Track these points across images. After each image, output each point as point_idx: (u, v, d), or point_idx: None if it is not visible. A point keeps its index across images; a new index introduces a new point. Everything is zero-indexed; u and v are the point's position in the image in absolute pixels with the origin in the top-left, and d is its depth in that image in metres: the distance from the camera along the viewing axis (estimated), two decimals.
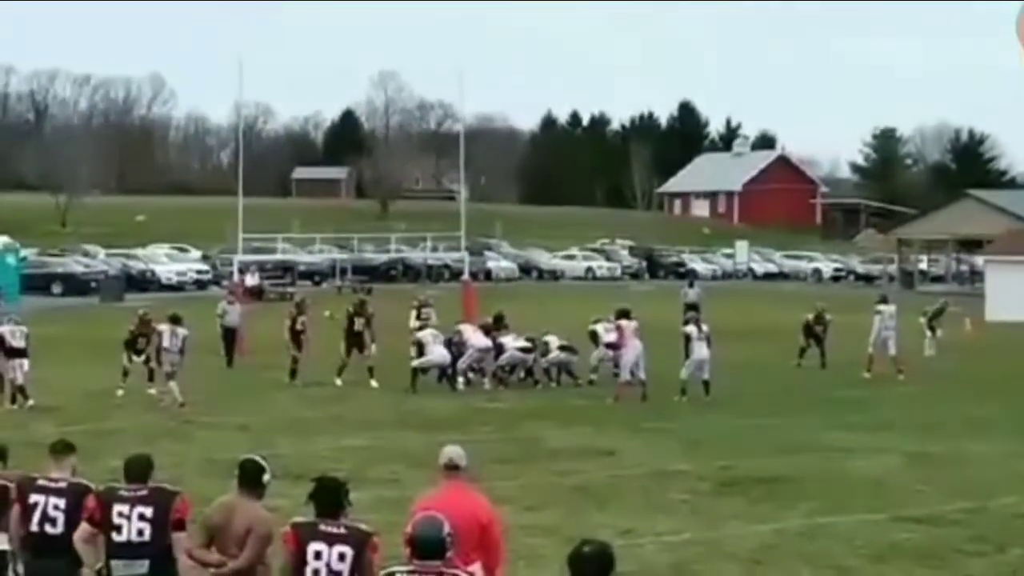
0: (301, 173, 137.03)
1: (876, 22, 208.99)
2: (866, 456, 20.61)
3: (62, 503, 9.73)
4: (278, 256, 60.82)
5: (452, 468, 9.35)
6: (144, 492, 9.47)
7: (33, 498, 9.81)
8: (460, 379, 28.02)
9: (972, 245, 76.75)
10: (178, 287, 63.56)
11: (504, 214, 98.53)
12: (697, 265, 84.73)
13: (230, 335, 32.44)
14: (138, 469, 9.67)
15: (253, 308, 34.69)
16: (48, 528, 9.73)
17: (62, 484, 9.85)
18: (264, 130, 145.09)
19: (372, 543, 8.38)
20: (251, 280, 55.45)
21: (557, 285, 73.71)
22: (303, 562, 8.34)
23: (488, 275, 72.83)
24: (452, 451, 9.45)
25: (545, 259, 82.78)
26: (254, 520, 9.12)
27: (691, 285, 44.65)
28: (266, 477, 9.33)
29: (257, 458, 9.44)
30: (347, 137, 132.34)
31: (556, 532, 14.32)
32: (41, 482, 9.90)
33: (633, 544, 14.28)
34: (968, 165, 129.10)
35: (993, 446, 21.72)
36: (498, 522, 9.37)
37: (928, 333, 36.62)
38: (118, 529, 9.35)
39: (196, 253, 72.82)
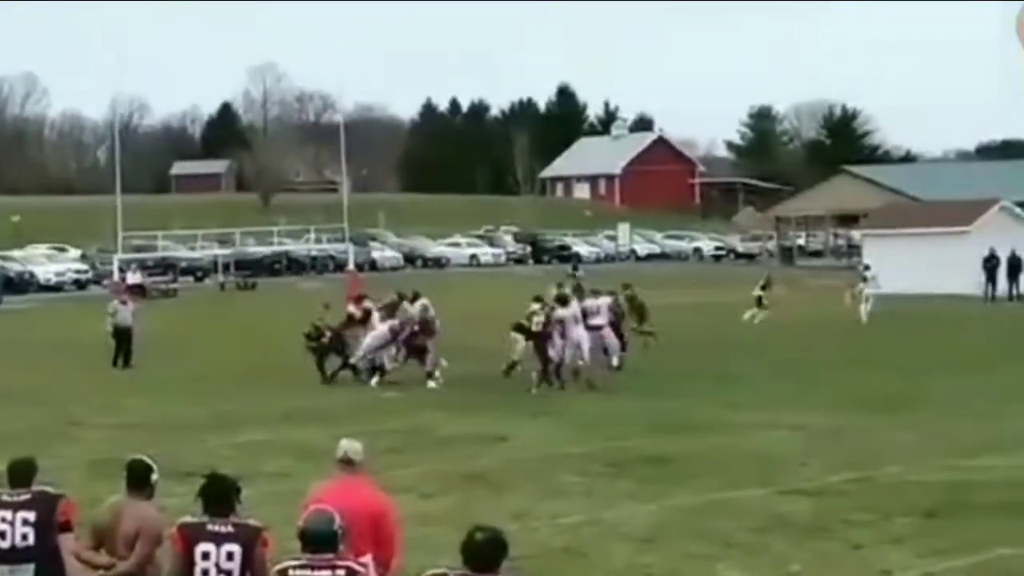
0: (180, 168, 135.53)
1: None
2: (753, 432, 20.88)
3: None
4: (159, 253, 60.14)
5: (347, 463, 9.31)
6: (27, 496, 9.31)
7: None
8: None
9: (849, 220, 78.06)
10: (57, 288, 62.54)
11: (387, 203, 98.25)
12: (580, 248, 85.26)
13: (122, 334, 31.87)
14: (21, 473, 9.49)
15: (137, 306, 34.16)
16: None
17: None
18: (141, 126, 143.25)
19: (262, 538, 8.31)
20: (133, 278, 54.74)
21: (442, 273, 73.66)
22: (191, 563, 8.24)
23: (373, 265, 72.56)
24: (348, 445, 9.39)
25: (429, 247, 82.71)
26: (143, 520, 9.00)
27: (575, 268, 45.04)
28: (154, 476, 9.21)
29: (145, 457, 9.32)
30: (226, 130, 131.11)
31: (451, 520, 14.32)
32: None
33: (527, 528, 14.34)
34: (843, 141, 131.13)
35: (874, 418, 22.12)
36: (392, 514, 9.34)
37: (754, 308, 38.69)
38: (2, 535, 9.20)
39: (75, 253, 71.66)
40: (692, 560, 13.51)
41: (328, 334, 28.14)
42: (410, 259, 79.43)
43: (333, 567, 7.65)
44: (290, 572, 7.66)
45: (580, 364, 26.83)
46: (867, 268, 44.21)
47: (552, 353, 26.78)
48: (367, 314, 28.54)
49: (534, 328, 26.98)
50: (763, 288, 40.05)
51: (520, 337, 27.24)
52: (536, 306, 27.38)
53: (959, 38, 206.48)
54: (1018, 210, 60.96)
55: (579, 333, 26.89)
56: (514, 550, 7.31)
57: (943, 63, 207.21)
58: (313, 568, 7.63)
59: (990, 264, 52.96)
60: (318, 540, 7.73)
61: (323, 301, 30.06)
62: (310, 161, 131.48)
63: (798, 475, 17.35)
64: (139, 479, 9.15)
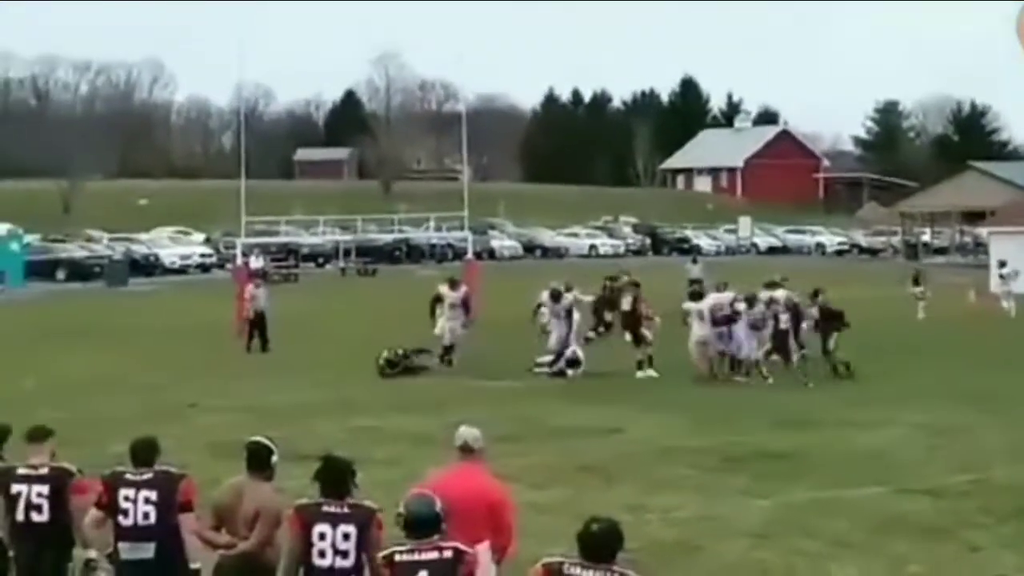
0: (303, 155, 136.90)
1: None
2: (870, 429, 20.67)
3: (45, 490, 9.69)
4: (281, 238, 60.75)
5: (467, 451, 9.39)
6: (149, 475, 9.52)
7: (15, 488, 9.73)
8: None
9: (975, 217, 76.70)
10: (182, 271, 63.66)
11: (507, 193, 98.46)
12: (701, 241, 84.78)
13: (259, 319, 32.28)
14: (144, 453, 9.70)
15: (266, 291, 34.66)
16: (34, 516, 9.69)
17: (43, 471, 9.79)
18: (266, 112, 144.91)
19: (376, 520, 8.42)
20: (256, 263, 55.49)
21: (561, 263, 73.68)
22: (309, 544, 8.38)
23: (492, 254, 72.84)
24: (467, 433, 9.47)
25: (548, 237, 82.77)
26: (263, 502, 9.16)
27: (694, 261, 44.81)
28: (274, 458, 9.37)
29: (264, 439, 9.47)
30: (348, 118, 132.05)
31: (564, 510, 14.37)
32: (22, 471, 9.82)
33: (640, 520, 14.34)
34: (970, 137, 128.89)
35: (996, 417, 21.76)
36: (508, 502, 9.41)
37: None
38: (124, 513, 9.41)
39: (199, 236, 72.83)
40: (806, 558, 13.43)
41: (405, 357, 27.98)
42: (529, 249, 79.58)
43: (439, 548, 7.73)
44: (396, 558, 7.75)
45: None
46: (1003, 265, 43.60)
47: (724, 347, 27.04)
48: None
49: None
50: (916, 283, 40.79)
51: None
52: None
53: None
54: None
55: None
56: (626, 542, 7.33)
57: None
58: (420, 551, 7.71)
59: None
60: (421, 524, 7.81)
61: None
62: (431, 150, 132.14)
63: (916, 475, 17.14)
64: (260, 460, 9.30)
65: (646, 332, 27.70)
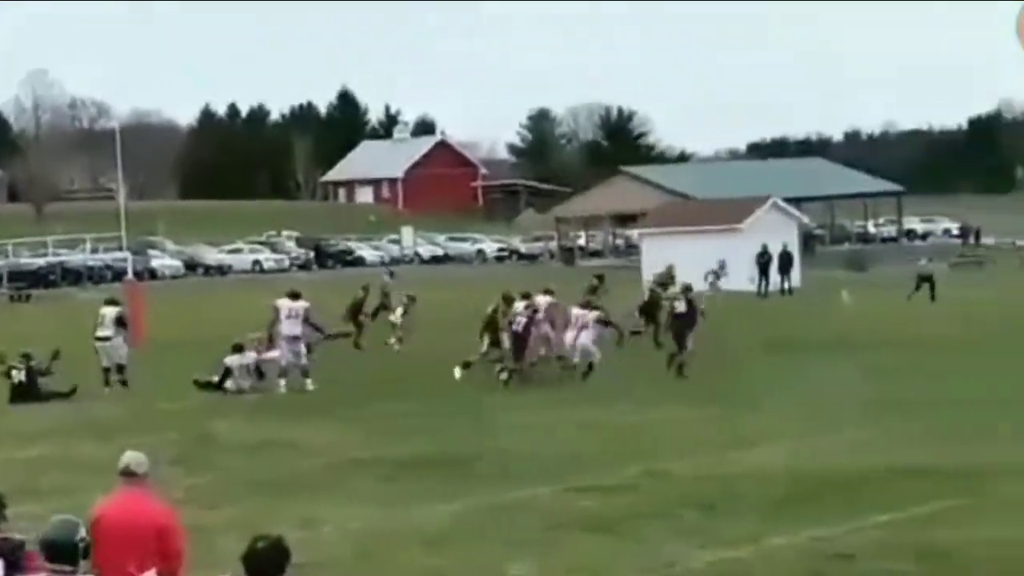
0: None
1: (526, 4, 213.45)
2: (546, 430, 21.09)
3: None
4: None
5: (130, 475, 9.16)
6: None
7: None
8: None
9: (627, 219, 79.51)
10: None
11: (166, 211, 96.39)
12: (365, 252, 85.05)
13: None
14: None
15: None
16: None
17: None
18: None
19: (26, 552, 8.09)
20: None
21: (225, 280, 72.69)
22: None
23: (153, 274, 71.14)
24: (130, 457, 9.24)
25: (211, 254, 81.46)
26: None
27: (391, 274, 45.24)
28: None
29: None
30: None
31: (238, 529, 14.17)
32: None
33: (316, 534, 14.27)
34: (620, 142, 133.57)
35: (668, 412, 22.55)
36: (176, 527, 9.21)
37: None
38: None
39: None
40: (483, 559, 13.62)
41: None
42: (191, 267, 78.12)
43: None
44: None
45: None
46: (722, 267, 44.17)
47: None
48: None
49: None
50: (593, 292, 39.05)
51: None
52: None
53: (726, 40, 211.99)
54: (788, 207, 62.93)
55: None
56: (301, 557, 7.30)
57: (713, 64, 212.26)
58: None
59: (763, 260, 54.52)
60: (57, 550, 7.50)
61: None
62: (85, 169, 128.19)
63: (590, 472, 17.58)
64: None
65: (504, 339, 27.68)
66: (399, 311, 35.24)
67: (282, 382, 26.81)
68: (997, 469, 16.87)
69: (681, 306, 27.85)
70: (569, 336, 27.59)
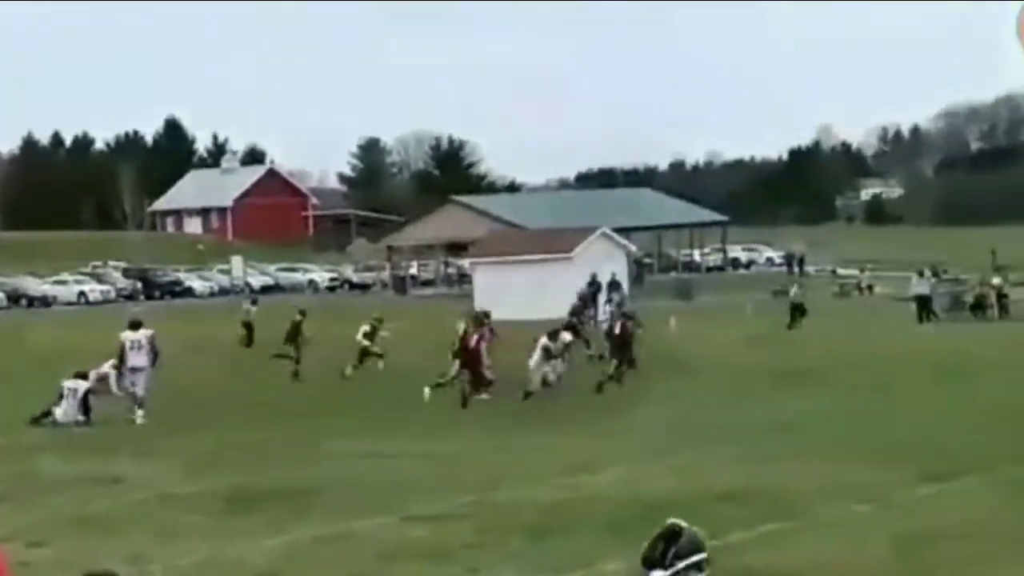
0: None
1: (354, 29, 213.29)
2: (376, 461, 21.11)
3: None
4: None
5: None
6: None
7: None
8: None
9: (458, 248, 79.81)
10: None
11: None
12: (194, 283, 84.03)
13: None
14: None
15: None
16: None
17: None
18: None
19: None
20: None
21: (50, 312, 71.16)
22: None
23: None
24: None
25: (34, 285, 79.67)
26: None
27: (254, 303, 45.67)
28: None
29: None
30: None
31: (64, 567, 13.95)
32: None
33: (144, 572, 14.09)
34: (450, 171, 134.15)
35: (501, 440, 22.73)
36: (2, 566, 9.05)
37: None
38: None
39: None
40: None
41: None
42: (14, 299, 76.32)
43: None
44: None
45: None
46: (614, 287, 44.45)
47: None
48: None
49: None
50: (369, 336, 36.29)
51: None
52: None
53: (556, 70, 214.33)
54: (617, 236, 63.78)
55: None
56: None
57: (542, 94, 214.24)
58: None
59: (592, 289, 55.11)
60: None
61: None
62: None
63: (424, 502, 17.64)
64: None
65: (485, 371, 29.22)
66: (363, 334, 35.26)
67: (140, 412, 26.58)
68: (816, 492, 17.34)
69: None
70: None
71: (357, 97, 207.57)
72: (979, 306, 50.90)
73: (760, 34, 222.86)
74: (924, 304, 50.04)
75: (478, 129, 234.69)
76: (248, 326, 44.17)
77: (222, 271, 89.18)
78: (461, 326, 30.19)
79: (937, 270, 56.14)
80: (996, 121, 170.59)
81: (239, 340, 43.63)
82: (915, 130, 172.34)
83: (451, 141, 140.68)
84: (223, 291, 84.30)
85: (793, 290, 51.87)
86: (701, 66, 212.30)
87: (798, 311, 48.58)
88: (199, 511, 17.64)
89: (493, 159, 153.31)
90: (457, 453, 21.69)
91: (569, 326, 31.97)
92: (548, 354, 29.18)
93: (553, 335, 29.75)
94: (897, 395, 27.57)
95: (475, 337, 29.27)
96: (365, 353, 34.74)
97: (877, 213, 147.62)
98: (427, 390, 28.68)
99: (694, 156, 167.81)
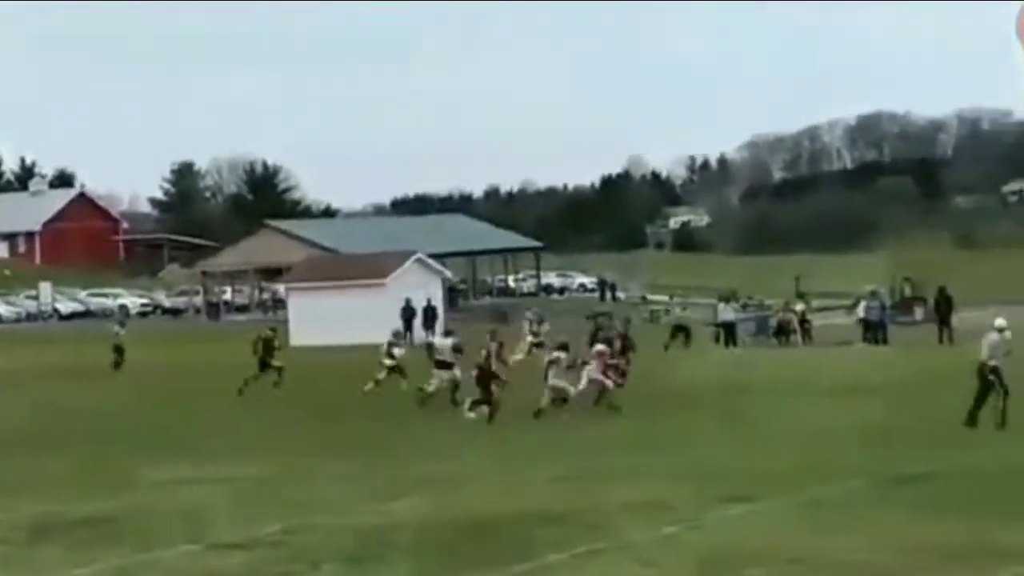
0: None
1: (168, 52, 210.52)
2: (183, 487, 20.83)
3: None
4: None
5: None
6: None
7: None
8: None
9: (273, 274, 79.25)
10: None
11: None
12: (0, 308, 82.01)
13: None
14: None
15: None
16: None
17: None
18: None
19: None
20: None
21: None
22: None
23: None
24: None
25: None
26: None
27: (122, 324, 45.43)
28: None
29: None
30: None
31: None
32: None
33: None
34: (264, 196, 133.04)
35: (314, 463, 22.61)
36: None
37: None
38: None
39: None
40: None
41: None
42: None
43: None
44: None
45: None
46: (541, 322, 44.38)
47: None
48: None
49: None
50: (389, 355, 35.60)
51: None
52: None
53: (366, 95, 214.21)
54: (432, 262, 63.99)
55: None
56: None
57: (359, 120, 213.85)
58: None
59: (407, 314, 55.22)
60: None
61: None
62: None
63: (229, 529, 17.47)
64: None
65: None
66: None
67: None
68: (629, 513, 17.62)
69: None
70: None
71: (170, 120, 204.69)
72: (783, 331, 52.18)
73: (572, 66, 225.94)
74: (730, 330, 51.31)
75: (293, 154, 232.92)
76: (118, 349, 43.82)
77: (30, 297, 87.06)
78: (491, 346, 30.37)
79: (730, 296, 57.29)
80: (799, 151, 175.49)
81: (110, 364, 43.32)
82: (722, 160, 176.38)
83: (266, 166, 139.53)
84: (31, 317, 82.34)
85: (677, 311, 53.47)
86: (513, 96, 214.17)
87: (681, 331, 50.34)
88: (2, 540, 17.21)
89: (309, 184, 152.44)
90: (267, 478, 21.51)
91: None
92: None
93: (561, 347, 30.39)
94: (708, 418, 28.13)
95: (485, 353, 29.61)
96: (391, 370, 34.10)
97: (685, 241, 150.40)
98: (469, 413, 28.92)
99: (508, 183, 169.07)
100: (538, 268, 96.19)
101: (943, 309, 49.57)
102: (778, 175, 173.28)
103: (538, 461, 22.56)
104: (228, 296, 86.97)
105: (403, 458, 23.24)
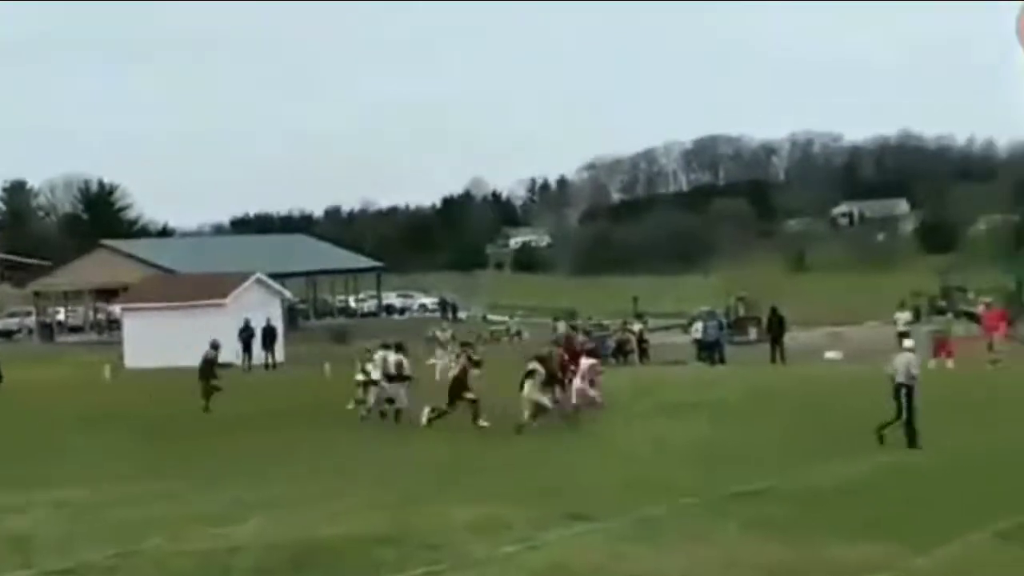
0: None
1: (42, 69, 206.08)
2: (16, 513, 20.38)
3: None
4: None
5: None
6: None
7: None
8: None
9: (109, 294, 77.94)
10: None
11: None
12: None
13: None
14: None
15: None
16: None
17: None
18: None
19: None
20: None
21: None
22: None
23: None
24: None
25: None
26: None
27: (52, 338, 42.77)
28: None
29: None
30: None
31: None
32: None
33: None
34: (100, 215, 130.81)
35: (151, 486, 22.28)
36: None
37: None
38: None
39: None
40: None
41: None
42: None
43: None
44: None
45: None
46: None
47: None
48: None
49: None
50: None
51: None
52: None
53: (207, 114, 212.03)
54: (272, 282, 63.50)
55: None
56: None
57: (197, 138, 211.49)
58: None
59: (246, 334, 54.73)
60: None
61: None
62: None
63: (61, 555, 17.13)
64: None
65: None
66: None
67: None
68: (468, 533, 17.70)
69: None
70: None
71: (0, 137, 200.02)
72: (621, 351, 52.83)
73: (422, 78, 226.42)
74: None
75: (130, 173, 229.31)
76: None
77: None
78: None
79: (569, 316, 57.86)
80: (636, 173, 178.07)
81: None
82: (562, 181, 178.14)
83: (101, 184, 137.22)
84: None
85: (560, 329, 53.79)
86: (351, 113, 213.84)
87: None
88: None
89: (145, 203, 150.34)
90: (100, 502, 21.13)
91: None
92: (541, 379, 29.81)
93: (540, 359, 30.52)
94: (545, 437, 28.36)
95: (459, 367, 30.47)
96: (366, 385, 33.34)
97: (526, 261, 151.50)
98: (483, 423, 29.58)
99: (349, 203, 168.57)
100: (379, 288, 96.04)
101: (775, 329, 50.55)
102: (616, 196, 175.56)
103: (380, 481, 22.55)
104: (62, 317, 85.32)
105: (244, 479, 23.03)
